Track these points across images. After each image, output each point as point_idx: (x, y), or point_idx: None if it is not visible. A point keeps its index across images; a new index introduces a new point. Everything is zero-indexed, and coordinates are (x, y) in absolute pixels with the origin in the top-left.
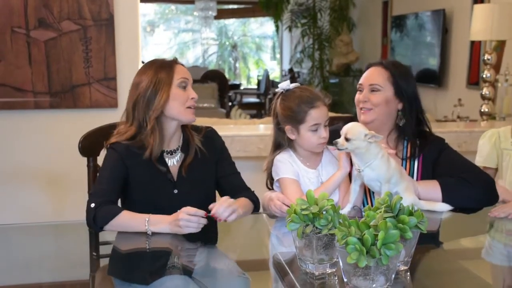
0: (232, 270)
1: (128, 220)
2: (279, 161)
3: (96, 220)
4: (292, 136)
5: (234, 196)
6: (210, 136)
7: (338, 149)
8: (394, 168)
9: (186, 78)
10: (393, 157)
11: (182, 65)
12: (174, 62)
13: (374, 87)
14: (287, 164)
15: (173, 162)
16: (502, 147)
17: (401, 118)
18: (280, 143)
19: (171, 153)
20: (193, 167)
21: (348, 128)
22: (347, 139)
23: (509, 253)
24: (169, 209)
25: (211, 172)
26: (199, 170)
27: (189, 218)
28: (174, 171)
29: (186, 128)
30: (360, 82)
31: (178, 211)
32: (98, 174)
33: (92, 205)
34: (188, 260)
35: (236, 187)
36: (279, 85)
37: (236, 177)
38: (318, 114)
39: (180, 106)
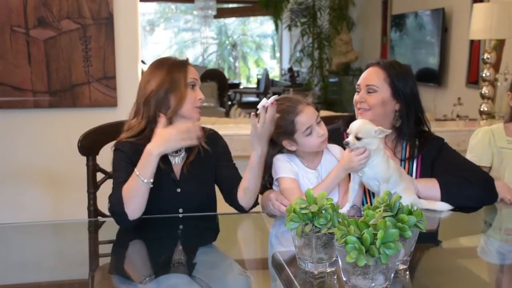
0: (233, 269)
1: (130, 188)
2: (278, 160)
3: (116, 211)
4: (292, 148)
5: (233, 187)
6: (213, 138)
7: (350, 148)
8: (393, 168)
9: (196, 79)
10: (392, 158)
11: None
12: (187, 62)
13: (371, 88)
14: (286, 163)
15: (176, 161)
16: (499, 146)
17: (397, 119)
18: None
19: (176, 152)
20: (195, 165)
21: (358, 127)
22: (358, 138)
23: (506, 252)
24: (172, 207)
25: (212, 169)
26: (201, 169)
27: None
28: (177, 170)
29: None
30: (358, 82)
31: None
32: (112, 178)
33: (109, 204)
34: (189, 258)
35: (234, 179)
36: (258, 106)
37: (235, 170)
38: (305, 118)
39: (190, 105)
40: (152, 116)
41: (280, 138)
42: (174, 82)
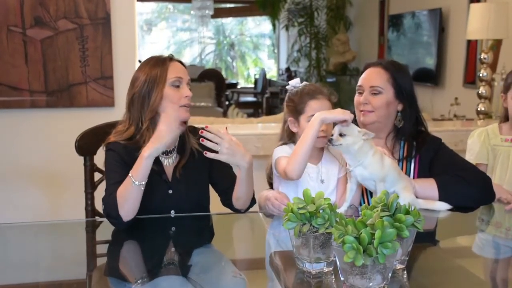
0: (228, 271)
1: (124, 191)
2: (277, 149)
3: (111, 214)
4: (294, 129)
5: (228, 188)
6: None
7: (333, 145)
8: (389, 167)
9: (180, 77)
10: (389, 157)
11: (179, 61)
12: (168, 59)
13: (375, 90)
14: (286, 149)
15: (168, 162)
16: (492, 144)
17: (400, 120)
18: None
19: (167, 153)
20: (188, 168)
21: (341, 125)
22: (341, 135)
23: (503, 251)
24: (164, 209)
25: (206, 171)
26: (194, 171)
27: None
28: (169, 171)
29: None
30: (359, 83)
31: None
32: (105, 179)
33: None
34: (184, 260)
35: (229, 179)
36: (289, 82)
37: (230, 170)
38: (317, 105)
39: (173, 105)
40: (138, 120)
41: (288, 114)
42: (152, 82)
